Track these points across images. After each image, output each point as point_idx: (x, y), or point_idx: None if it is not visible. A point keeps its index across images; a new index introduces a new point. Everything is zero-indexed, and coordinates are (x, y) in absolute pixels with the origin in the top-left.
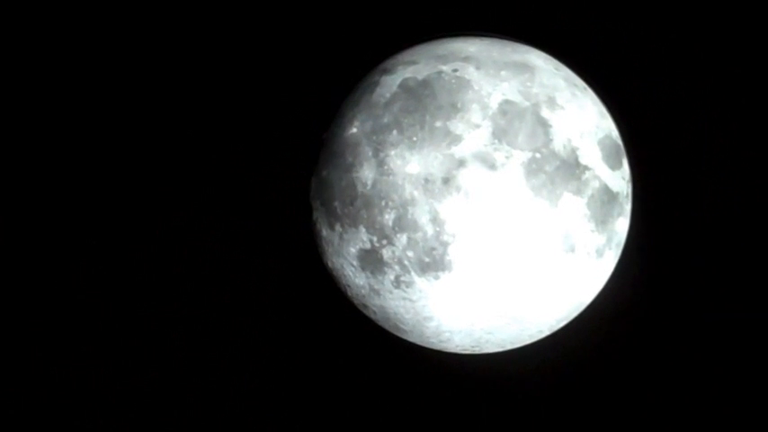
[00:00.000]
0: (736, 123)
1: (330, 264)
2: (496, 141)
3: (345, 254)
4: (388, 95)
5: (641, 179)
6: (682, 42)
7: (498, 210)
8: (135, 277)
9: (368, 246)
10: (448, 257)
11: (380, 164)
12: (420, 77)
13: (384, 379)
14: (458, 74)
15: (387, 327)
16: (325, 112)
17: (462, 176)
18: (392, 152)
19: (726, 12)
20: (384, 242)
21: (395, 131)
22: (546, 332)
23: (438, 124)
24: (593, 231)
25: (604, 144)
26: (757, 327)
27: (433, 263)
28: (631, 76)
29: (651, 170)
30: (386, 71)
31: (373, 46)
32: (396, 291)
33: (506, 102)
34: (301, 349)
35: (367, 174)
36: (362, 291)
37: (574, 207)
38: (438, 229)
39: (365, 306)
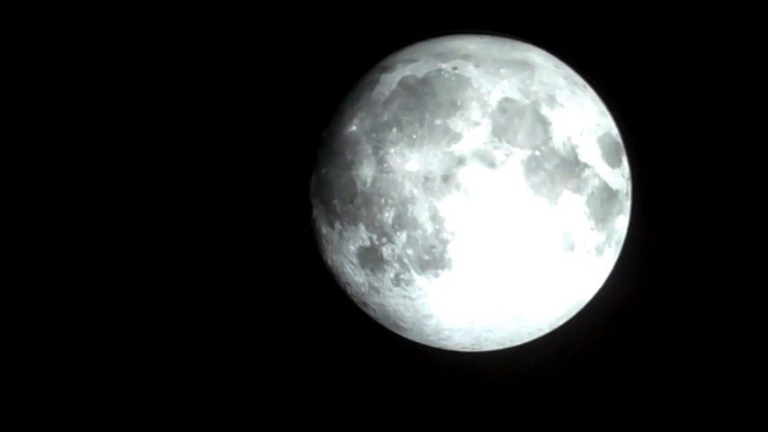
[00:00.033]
0: (736, 122)
1: (330, 261)
2: (496, 139)
3: (345, 252)
4: (387, 93)
5: (641, 177)
6: (682, 41)
7: (498, 208)
8: (135, 277)
9: (367, 243)
10: (447, 255)
11: (380, 162)
12: (420, 75)
13: (384, 377)
14: (457, 72)
15: (386, 325)
16: (324, 109)
17: (462, 174)
18: (392, 150)
19: (726, 11)
20: (384, 240)
21: (394, 129)
22: (545, 330)
23: (438, 122)
24: (592, 229)
25: (604, 142)
26: (756, 324)
27: (432, 261)
28: (631, 73)
29: (651, 168)
30: (385, 69)
31: (373, 44)
32: (395, 289)
33: (506, 99)
34: (301, 347)
35: (366, 171)
36: (362, 288)
37: (573, 205)
38: (438, 226)
39: (365, 304)
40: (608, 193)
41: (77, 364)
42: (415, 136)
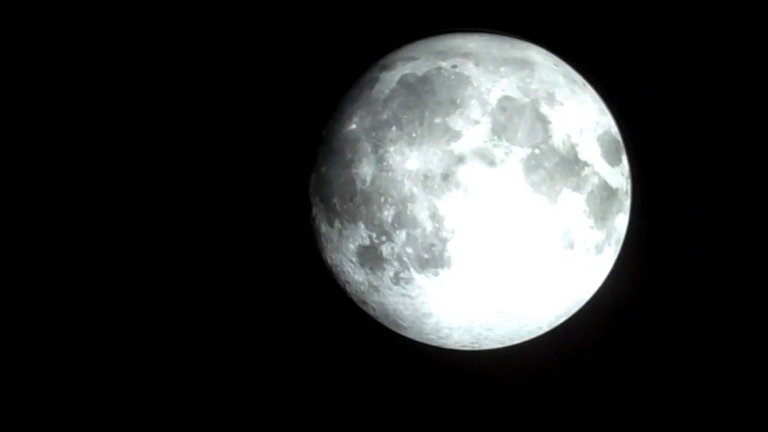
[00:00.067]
0: (736, 121)
1: (329, 260)
2: (496, 137)
3: (344, 250)
4: (387, 92)
5: (640, 175)
6: (682, 39)
7: (497, 206)
8: (135, 277)
9: (367, 242)
10: (447, 254)
11: (380, 160)
12: (419, 74)
13: (383, 375)
14: (457, 70)
15: (386, 323)
16: (324, 108)
17: (461, 173)
18: (391, 148)
19: (726, 11)
20: (383, 238)
21: (394, 128)
22: (545, 328)
23: (437, 120)
24: (592, 228)
25: (604, 140)
26: (755, 323)
27: (432, 259)
28: (631, 72)
29: (650, 166)
30: (385, 67)
31: (372, 42)
32: (395, 287)
33: (505, 98)
34: (301, 346)
35: (366, 170)
36: (362, 287)
37: (573, 203)
38: (437, 225)
39: (364, 302)
40: (607, 192)
41: (77, 364)
42: (414, 134)
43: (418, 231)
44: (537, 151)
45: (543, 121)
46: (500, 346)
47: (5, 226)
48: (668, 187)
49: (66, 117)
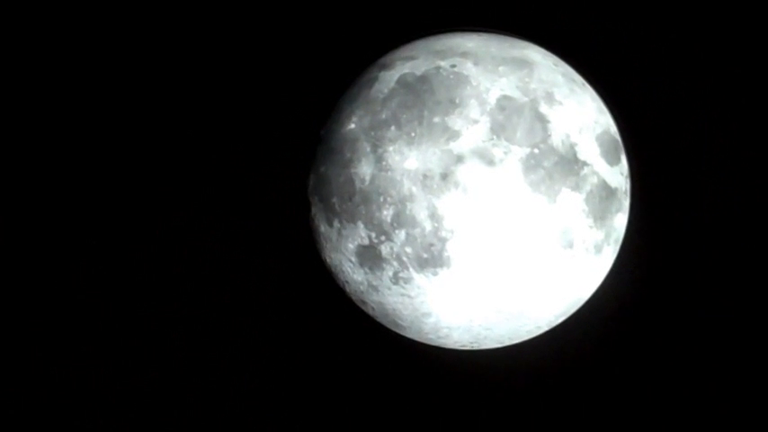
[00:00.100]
0: (735, 120)
1: (328, 260)
2: (495, 137)
3: (344, 250)
4: (386, 91)
5: (640, 175)
6: (681, 40)
7: (496, 205)
8: (135, 277)
9: (366, 242)
10: (446, 253)
11: (379, 160)
12: (418, 73)
13: (382, 375)
14: (456, 69)
15: (385, 323)
16: (323, 107)
17: (461, 172)
18: (390, 148)
19: (726, 11)
20: (382, 238)
21: (393, 127)
22: (544, 328)
23: (436, 120)
24: (591, 227)
25: (603, 140)
26: (755, 323)
27: (431, 259)
28: (630, 71)
29: (650, 166)
30: (384, 67)
31: (371, 41)
32: (394, 287)
33: (505, 97)
34: (300, 346)
35: (365, 169)
36: (361, 287)
37: (572, 203)
38: (436, 224)
39: (363, 302)
40: (607, 191)
41: (77, 364)
42: (413, 134)
43: (417, 231)
44: (536, 151)
45: (542, 120)
46: (499, 345)
47: (5, 226)
48: (667, 187)
49: (66, 117)
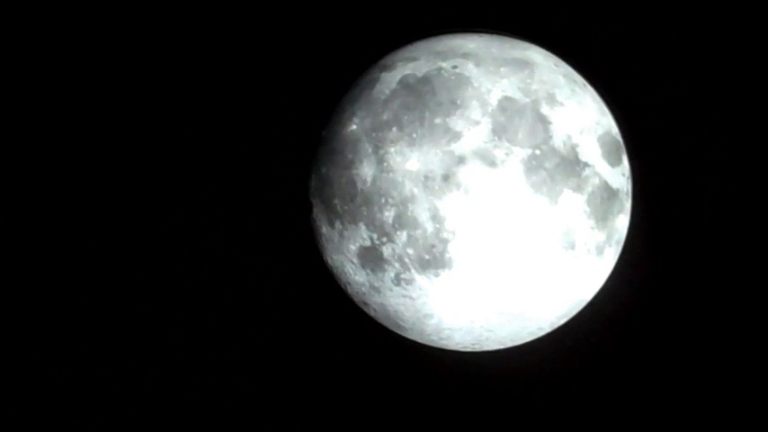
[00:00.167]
0: (736, 121)
1: (330, 261)
2: (496, 138)
3: (345, 251)
4: (387, 92)
5: (641, 176)
6: (682, 40)
7: (498, 207)
8: (135, 277)
9: (368, 243)
10: (448, 255)
11: (380, 161)
12: (420, 74)
13: (384, 377)
14: (457, 70)
15: (387, 324)
16: (324, 108)
17: (462, 173)
18: (392, 149)
19: (726, 11)
20: (384, 239)
21: (394, 128)
22: (546, 329)
23: (438, 121)
24: (593, 228)
25: (604, 141)
26: (755, 323)
27: (433, 260)
28: (631, 72)
29: (651, 167)
30: (385, 68)
31: (373, 43)
32: (396, 288)
33: (506, 98)
34: (301, 347)
35: (367, 171)
36: (362, 288)
37: (574, 204)
38: (438, 226)
39: (365, 303)
40: (608, 192)
41: (77, 364)
42: (415, 135)
43: (419, 232)
44: (537, 152)
45: (544, 121)
46: (501, 347)
47: (5, 226)
48: (669, 188)
49: (66, 117)
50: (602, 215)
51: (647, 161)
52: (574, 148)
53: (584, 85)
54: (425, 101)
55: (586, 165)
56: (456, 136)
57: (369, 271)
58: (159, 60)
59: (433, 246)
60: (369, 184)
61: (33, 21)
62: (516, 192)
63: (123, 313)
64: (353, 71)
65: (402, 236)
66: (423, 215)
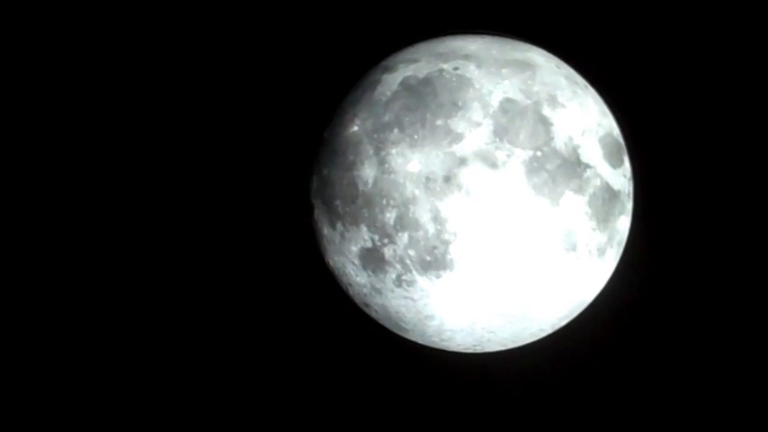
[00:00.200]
0: (736, 122)
1: (331, 262)
2: (497, 140)
3: (347, 252)
4: (389, 93)
5: (643, 177)
6: (682, 40)
7: (499, 208)
8: (135, 277)
9: (369, 244)
10: (449, 256)
11: (381, 162)
12: (421, 76)
13: (385, 378)
14: (459, 72)
15: (388, 326)
16: (325, 110)
17: (463, 175)
18: (393, 150)
19: (726, 11)
20: (385, 241)
21: (396, 130)
22: (548, 331)
23: (439, 122)
24: (594, 230)
25: (606, 142)
26: (756, 324)
27: (434, 261)
28: (632, 73)
29: (653, 168)
30: (387, 69)
31: (374, 44)
32: (397, 290)
33: (507, 100)
34: (302, 348)
35: (368, 172)
36: (364, 289)
37: (575, 205)
38: (439, 227)
39: (366, 305)
40: (610, 194)
41: (77, 364)
42: (416, 136)
43: (420, 234)
44: (539, 153)
45: (545, 123)
46: (503, 348)
47: (5, 226)
48: (670, 189)
49: (66, 117)
50: (603, 216)
51: (649, 162)
52: (575, 149)
53: (586, 86)
54: (427, 102)
55: (588, 166)
56: (457, 137)
57: (370, 272)
58: (160, 61)
59: (435, 247)
60: (370, 185)
61: (33, 21)
62: (518, 193)
63: (123, 313)
64: (355, 72)
65: (403, 237)
66: (424, 216)
